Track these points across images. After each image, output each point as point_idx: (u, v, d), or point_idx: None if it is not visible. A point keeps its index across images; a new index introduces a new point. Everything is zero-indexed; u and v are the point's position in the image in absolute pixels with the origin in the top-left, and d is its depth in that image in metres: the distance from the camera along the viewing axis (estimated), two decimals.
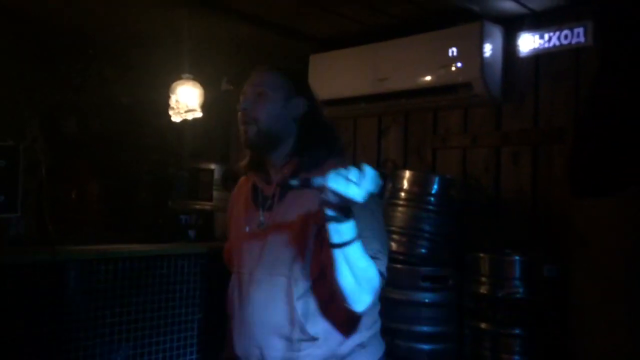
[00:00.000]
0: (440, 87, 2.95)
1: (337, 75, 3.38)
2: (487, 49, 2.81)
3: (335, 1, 2.83)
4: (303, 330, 1.45)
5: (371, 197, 1.25)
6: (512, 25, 2.91)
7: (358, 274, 1.31)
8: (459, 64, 2.84)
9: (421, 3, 2.79)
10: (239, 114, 1.55)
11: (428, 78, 2.97)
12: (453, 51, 2.85)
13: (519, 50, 2.91)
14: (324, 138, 1.59)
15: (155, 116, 3.65)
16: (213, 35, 3.08)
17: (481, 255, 2.58)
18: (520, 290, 2.45)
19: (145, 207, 3.30)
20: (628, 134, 2.50)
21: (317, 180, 1.23)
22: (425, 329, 2.66)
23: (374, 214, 1.44)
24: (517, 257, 2.50)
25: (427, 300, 2.68)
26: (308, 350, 1.47)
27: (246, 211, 1.62)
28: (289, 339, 1.48)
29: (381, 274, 1.35)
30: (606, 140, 2.56)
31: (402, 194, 2.79)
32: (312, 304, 1.48)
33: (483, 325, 2.53)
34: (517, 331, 2.45)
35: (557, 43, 2.79)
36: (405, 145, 3.37)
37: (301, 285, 1.48)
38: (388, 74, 3.13)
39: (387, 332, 2.50)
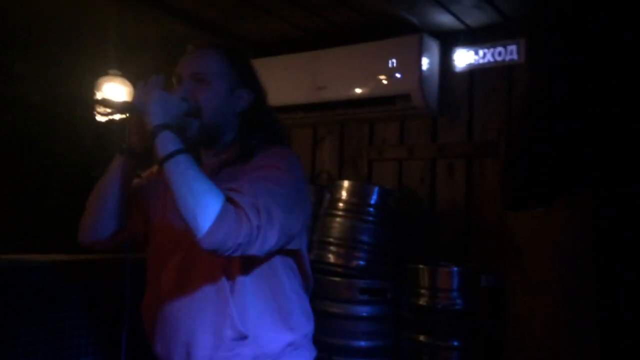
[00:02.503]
0: (379, 98, 2.95)
1: (273, 82, 3.21)
2: (425, 62, 2.84)
3: (276, 3, 2.75)
4: (234, 326, 1.35)
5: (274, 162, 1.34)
6: (448, 40, 2.96)
7: (193, 189, 1.22)
8: (398, 75, 2.85)
9: (363, 12, 2.77)
10: None
11: (367, 88, 2.95)
12: (393, 62, 2.85)
13: (454, 65, 2.96)
14: (267, 132, 1.51)
15: (72, 115, 3.39)
16: (143, 31, 2.89)
17: (420, 266, 2.56)
18: (458, 301, 2.45)
19: (61, 213, 3.01)
20: (556, 148, 2.60)
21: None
22: (363, 343, 2.59)
23: (265, 167, 1.36)
24: (455, 268, 2.50)
25: (365, 314, 2.61)
26: (238, 349, 1.36)
27: (167, 197, 1.45)
28: (219, 336, 1.36)
29: (232, 200, 1.23)
30: (536, 154, 2.65)
31: (340, 204, 2.73)
32: (246, 297, 1.38)
33: (422, 338, 2.51)
34: (455, 343, 2.45)
35: (491, 59, 2.87)
36: (340, 156, 3.33)
37: (237, 275, 1.38)
38: (327, 82, 3.09)
39: (324, 348, 2.45)
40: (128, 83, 2.46)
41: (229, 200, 1.23)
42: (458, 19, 2.78)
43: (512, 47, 2.81)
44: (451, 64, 2.97)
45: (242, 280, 1.39)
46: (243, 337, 1.37)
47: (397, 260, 2.77)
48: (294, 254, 1.47)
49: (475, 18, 2.77)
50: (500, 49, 2.84)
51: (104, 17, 2.62)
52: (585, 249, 2.22)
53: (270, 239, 1.26)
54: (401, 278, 2.65)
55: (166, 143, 1.27)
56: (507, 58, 2.82)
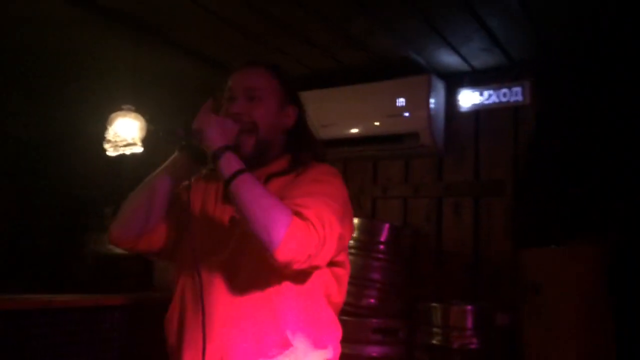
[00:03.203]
0: (386, 136, 2.97)
1: None
2: (433, 102, 2.89)
3: (284, 42, 2.78)
4: (279, 333, 1.34)
5: (324, 177, 1.40)
6: (453, 81, 3.03)
7: (262, 205, 1.25)
8: (406, 114, 2.88)
9: (371, 51, 2.82)
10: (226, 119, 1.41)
11: (375, 126, 2.98)
12: (401, 101, 2.89)
13: (459, 105, 3.02)
14: (312, 148, 1.53)
15: (70, 152, 3.33)
16: (154, 67, 2.88)
17: (433, 305, 2.54)
18: (474, 340, 2.42)
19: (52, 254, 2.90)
20: (565, 188, 2.64)
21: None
22: None
23: (319, 182, 1.39)
24: (469, 307, 2.48)
25: (376, 354, 2.57)
26: (278, 358, 1.34)
27: (215, 207, 1.48)
28: (260, 344, 1.34)
29: (299, 213, 1.25)
30: (546, 194, 2.69)
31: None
32: (289, 305, 1.37)
33: None
34: None
35: (497, 100, 2.93)
36: None
37: (282, 283, 1.37)
38: (333, 120, 3.10)
39: None
40: (141, 118, 2.43)
41: (295, 213, 1.25)
42: (465, 60, 2.86)
43: (517, 89, 2.88)
44: (456, 104, 3.03)
45: (286, 294, 1.37)
46: (285, 346, 1.34)
47: (408, 299, 2.74)
48: (341, 264, 1.48)
49: (481, 60, 2.85)
50: (505, 90, 2.91)
51: (116, 53, 2.61)
52: (605, 289, 2.24)
53: (332, 250, 1.30)
54: (413, 317, 2.62)
55: (229, 164, 1.30)
56: (512, 99, 2.89)
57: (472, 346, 2.41)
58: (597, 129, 2.63)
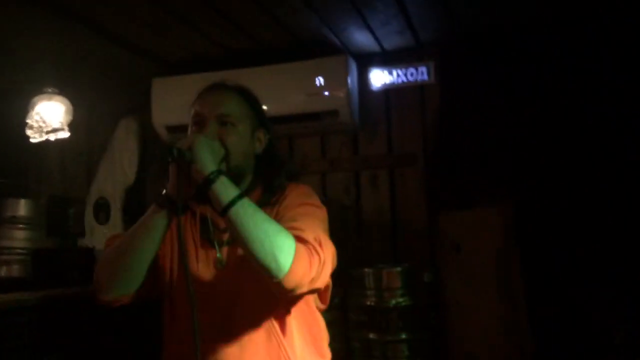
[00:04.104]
0: (306, 114, 3.08)
1: (188, 102, 3.25)
2: (350, 81, 3.06)
3: (204, 21, 2.74)
4: None
5: (307, 199, 1.41)
6: (364, 61, 3.22)
7: (267, 231, 1.23)
8: (326, 93, 3.02)
9: (291, 31, 2.88)
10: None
11: (294, 105, 3.08)
12: (320, 80, 3.02)
13: (371, 84, 3.23)
14: (284, 170, 1.55)
15: None
16: (78, 51, 2.65)
17: (365, 270, 2.74)
18: (405, 297, 2.68)
19: None
20: (471, 157, 2.98)
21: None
22: None
23: (306, 205, 1.43)
24: (399, 268, 2.73)
25: None
26: None
27: (195, 249, 1.44)
28: None
29: (299, 237, 1.27)
30: (454, 164, 3.01)
31: None
32: (294, 335, 1.42)
33: (372, 336, 2.69)
34: (404, 336, 2.66)
35: (405, 79, 3.18)
36: None
37: (284, 315, 1.41)
38: None
39: None
40: (67, 101, 2.26)
41: (296, 238, 1.27)
42: (378, 42, 3.05)
43: (423, 69, 3.15)
44: (368, 83, 3.23)
45: (289, 319, 1.42)
46: None
47: (335, 268, 2.91)
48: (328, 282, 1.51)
49: (392, 41, 3.07)
50: (412, 70, 3.17)
51: (35, 35, 2.35)
52: (512, 242, 2.60)
53: (329, 270, 1.35)
54: (345, 284, 2.80)
55: (227, 189, 1.27)
56: (419, 78, 3.16)
57: (405, 303, 2.66)
58: (495, 109, 2.99)
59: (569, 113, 2.85)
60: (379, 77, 3.22)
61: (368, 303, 2.71)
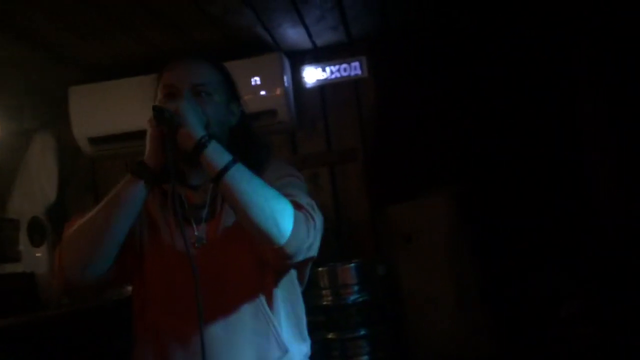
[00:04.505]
0: None
1: (117, 108, 3.04)
2: (286, 79, 3.00)
3: (135, 20, 2.56)
4: (279, 343, 1.33)
5: (292, 172, 1.40)
6: (296, 59, 3.17)
7: (265, 195, 1.18)
8: (263, 92, 2.94)
9: (226, 29, 2.78)
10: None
11: None
12: (256, 80, 2.94)
13: (304, 81, 3.19)
14: (256, 148, 1.48)
15: None
16: None
17: (319, 269, 2.70)
18: (362, 292, 2.66)
19: None
20: (411, 149, 3.03)
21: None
22: None
23: (292, 175, 1.41)
24: (353, 264, 2.71)
25: None
26: None
27: (169, 229, 1.36)
28: (263, 358, 1.31)
29: (295, 202, 1.23)
30: (394, 156, 3.05)
31: None
32: (281, 311, 1.37)
33: (331, 335, 2.65)
34: (363, 332, 2.65)
35: (338, 75, 3.18)
36: None
37: (272, 289, 1.35)
38: None
39: None
40: None
41: (292, 203, 1.22)
42: (311, 38, 3.02)
43: (356, 64, 3.16)
44: (301, 80, 3.19)
45: (276, 294, 1.35)
46: (285, 353, 1.33)
47: None
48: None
49: (325, 38, 3.05)
50: (345, 65, 3.17)
51: None
52: (459, 228, 2.67)
53: (319, 237, 1.29)
54: None
55: (220, 154, 1.21)
56: (352, 73, 3.16)
57: (362, 298, 2.65)
58: (431, 101, 3.05)
59: (500, 102, 2.97)
60: (312, 74, 3.19)
61: (324, 303, 2.67)
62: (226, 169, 1.18)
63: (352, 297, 2.64)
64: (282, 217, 1.17)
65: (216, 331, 1.29)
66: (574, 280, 2.59)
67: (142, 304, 1.37)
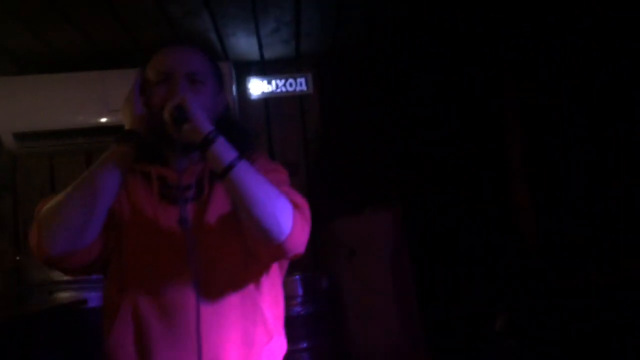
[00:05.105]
0: None
1: (45, 103, 2.84)
2: (234, 89, 2.97)
3: (88, 11, 2.43)
4: (266, 328, 1.32)
5: (278, 167, 1.39)
6: (243, 69, 3.16)
7: (268, 193, 1.18)
8: None
9: (180, 31, 2.70)
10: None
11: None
12: None
13: (249, 93, 3.17)
14: (242, 138, 1.43)
15: None
16: None
17: None
18: (307, 305, 2.64)
19: None
20: (354, 164, 3.10)
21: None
22: None
23: (284, 179, 1.39)
24: (297, 277, 2.69)
25: None
26: (265, 354, 1.32)
27: (153, 209, 1.30)
28: (249, 343, 1.28)
29: (296, 202, 1.24)
30: (337, 171, 3.10)
31: None
32: (265, 296, 1.35)
33: None
34: (305, 345, 2.62)
35: (284, 89, 3.20)
36: None
37: (259, 275, 1.33)
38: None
39: None
40: None
41: (291, 201, 1.23)
42: (260, 50, 3.02)
43: (302, 80, 3.20)
44: (246, 92, 3.17)
45: (262, 280, 1.34)
46: (270, 339, 1.32)
47: None
48: None
49: (274, 51, 3.06)
50: (291, 80, 3.20)
51: None
52: (400, 242, 2.75)
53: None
54: None
55: (227, 150, 1.20)
56: (298, 89, 3.20)
57: (306, 311, 2.63)
58: (375, 117, 3.16)
59: (440, 120, 3.13)
60: (258, 86, 3.19)
61: None
62: (233, 165, 1.17)
63: (296, 310, 2.62)
64: (283, 215, 1.18)
65: (202, 316, 1.24)
66: (509, 297, 2.74)
67: (120, 285, 1.28)
